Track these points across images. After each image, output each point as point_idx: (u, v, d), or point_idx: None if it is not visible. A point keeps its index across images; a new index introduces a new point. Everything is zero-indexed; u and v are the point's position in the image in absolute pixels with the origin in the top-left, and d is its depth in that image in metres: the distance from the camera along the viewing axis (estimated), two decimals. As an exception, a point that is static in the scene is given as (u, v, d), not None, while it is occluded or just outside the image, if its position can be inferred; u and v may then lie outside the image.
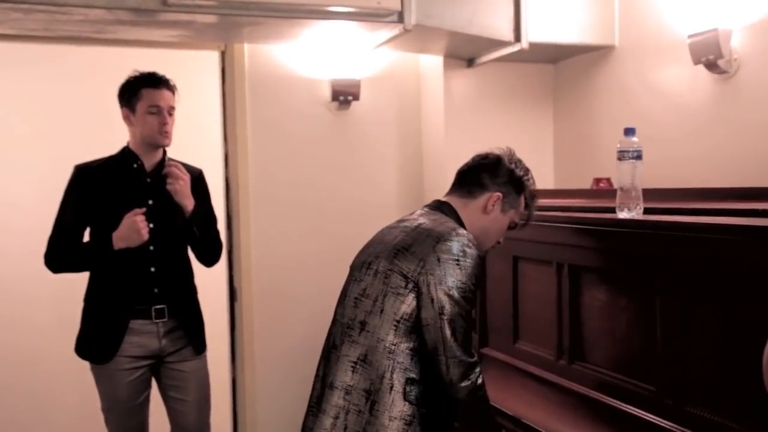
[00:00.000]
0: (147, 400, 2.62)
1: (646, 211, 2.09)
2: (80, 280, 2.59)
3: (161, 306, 2.53)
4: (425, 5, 2.66)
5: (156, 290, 2.53)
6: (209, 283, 3.19)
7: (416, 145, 3.53)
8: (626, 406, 2.00)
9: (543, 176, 3.45)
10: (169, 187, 2.50)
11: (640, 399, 1.96)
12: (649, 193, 2.24)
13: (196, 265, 2.75)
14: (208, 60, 3.36)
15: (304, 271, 3.32)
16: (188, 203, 2.52)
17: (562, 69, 3.43)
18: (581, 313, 2.25)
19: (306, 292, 3.29)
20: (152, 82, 2.51)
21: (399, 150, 3.51)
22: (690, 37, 2.49)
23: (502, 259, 2.66)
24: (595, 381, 2.16)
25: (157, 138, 2.52)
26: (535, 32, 2.99)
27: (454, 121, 3.34)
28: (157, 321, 2.53)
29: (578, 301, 2.26)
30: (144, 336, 2.52)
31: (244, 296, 3.26)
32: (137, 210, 2.44)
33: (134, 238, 2.43)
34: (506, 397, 2.52)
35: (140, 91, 2.50)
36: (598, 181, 2.91)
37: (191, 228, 2.54)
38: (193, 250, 2.67)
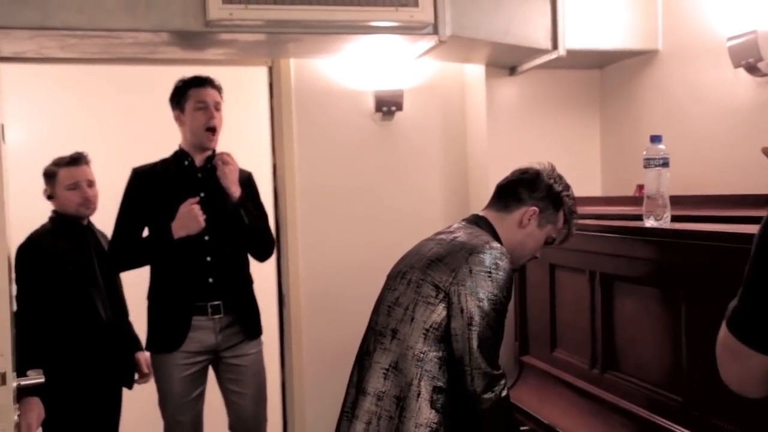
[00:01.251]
0: (201, 396, 2.73)
1: (678, 218, 2.07)
2: (143, 281, 2.77)
3: (217, 302, 2.65)
4: (460, 16, 2.70)
5: (211, 280, 2.65)
6: (260, 288, 3.31)
7: (461, 154, 3.56)
8: (655, 416, 1.98)
9: (590, 183, 3.44)
10: (218, 172, 2.63)
11: (669, 410, 1.93)
12: (683, 200, 2.22)
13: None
14: (259, 74, 3.49)
15: (351, 278, 3.39)
16: (235, 189, 2.65)
17: (609, 74, 3.39)
18: (614, 321, 2.24)
19: (352, 298, 3.36)
20: (198, 82, 2.71)
21: (443, 159, 3.54)
22: (729, 39, 2.43)
23: (539, 267, 2.67)
24: (626, 390, 2.14)
25: (204, 137, 2.68)
26: (578, 39, 2.98)
27: (497, 130, 3.34)
28: (214, 317, 2.65)
29: (611, 309, 2.25)
30: (201, 331, 2.64)
31: (291, 302, 3.36)
32: (191, 199, 2.59)
33: (193, 225, 2.57)
34: (543, 405, 2.53)
35: (188, 92, 2.70)
36: (640, 187, 2.86)
37: (239, 213, 2.66)
38: (244, 242, 2.76)
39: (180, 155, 2.74)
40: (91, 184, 2.81)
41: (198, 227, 2.58)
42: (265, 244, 2.81)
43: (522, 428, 2.43)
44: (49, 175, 2.80)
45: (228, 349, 2.70)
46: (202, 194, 2.67)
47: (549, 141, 3.36)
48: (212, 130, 2.69)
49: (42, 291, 2.62)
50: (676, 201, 2.13)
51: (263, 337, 3.25)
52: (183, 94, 2.70)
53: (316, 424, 3.40)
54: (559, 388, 2.52)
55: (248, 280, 2.81)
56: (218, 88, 2.74)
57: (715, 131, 2.66)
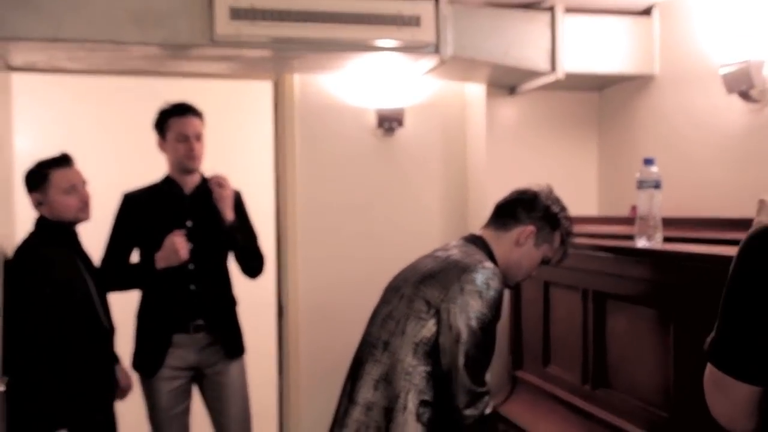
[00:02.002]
0: (187, 410, 2.79)
1: (670, 239, 2.12)
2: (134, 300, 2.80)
3: (200, 321, 2.71)
4: (461, 37, 2.77)
5: (195, 306, 2.71)
6: (259, 300, 3.36)
7: (460, 172, 3.61)
8: (643, 433, 2.02)
9: (587, 203, 3.49)
10: (214, 195, 2.67)
11: (657, 426, 1.97)
12: (676, 222, 2.27)
13: (246, 285, 2.92)
14: (263, 89, 3.55)
15: (350, 291, 3.43)
16: (229, 213, 2.70)
17: (607, 97, 3.46)
18: (605, 339, 2.28)
19: (351, 311, 3.36)
20: (178, 111, 2.72)
21: (443, 176, 3.59)
22: (723, 67, 2.49)
23: (534, 284, 2.71)
24: (616, 407, 2.18)
25: (185, 162, 2.72)
26: (577, 62, 3.04)
27: (497, 149, 3.40)
28: (195, 335, 2.70)
29: (602, 327, 2.29)
30: (183, 349, 2.70)
31: (290, 313, 3.40)
32: (177, 231, 2.63)
33: (173, 258, 2.62)
34: (535, 420, 2.57)
35: (168, 121, 2.72)
36: (634, 208, 2.91)
37: (233, 235, 2.71)
38: (237, 261, 2.81)
39: (168, 182, 2.77)
40: (85, 184, 2.60)
41: (178, 260, 2.62)
42: (256, 263, 2.85)
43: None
44: (38, 180, 2.50)
45: (210, 367, 2.76)
46: (189, 223, 2.71)
47: (547, 160, 3.41)
48: (192, 159, 2.72)
49: (46, 299, 2.44)
50: (669, 222, 2.18)
51: (261, 349, 3.29)
52: (164, 123, 2.72)
53: (312, 435, 3.43)
54: (551, 404, 2.56)
55: (232, 303, 2.85)
56: (200, 116, 2.74)
57: (709, 155, 2.71)
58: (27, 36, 2.46)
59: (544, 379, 2.67)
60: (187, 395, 2.78)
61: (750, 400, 1.10)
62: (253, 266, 2.83)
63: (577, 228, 2.49)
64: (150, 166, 2.88)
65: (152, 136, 3.03)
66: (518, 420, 2.59)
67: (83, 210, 2.56)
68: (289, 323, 3.41)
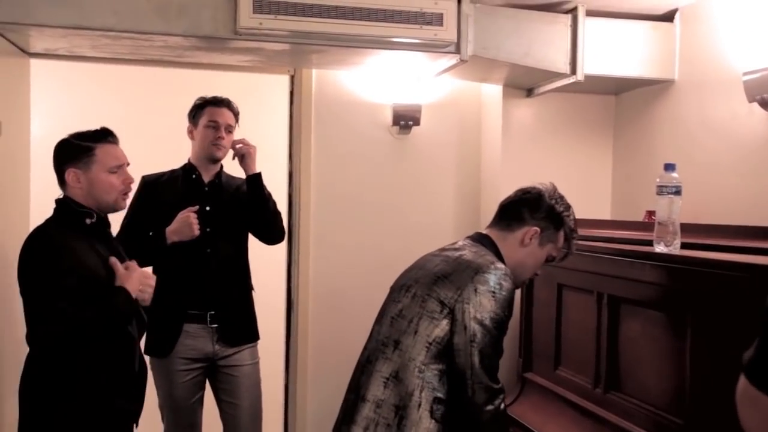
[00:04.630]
0: (200, 400, 2.80)
1: (687, 245, 2.12)
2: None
3: (215, 312, 2.72)
4: (482, 37, 2.77)
5: (211, 293, 2.72)
6: (269, 292, 3.36)
7: (475, 171, 3.62)
8: (656, 438, 2.03)
9: (600, 206, 3.49)
10: (241, 151, 2.73)
11: (669, 432, 1.98)
12: (693, 228, 2.26)
13: (257, 278, 2.93)
14: (281, 82, 3.56)
15: (360, 287, 3.44)
16: (255, 165, 2.75)
17: (624, 101, 3.45)
18: (619, 343, 2.28)
19: (360, 306, 3.37)
20: (215, 102, 2.79)
21: (457, 175, 3.60)
22: (745, 74, 2.49)
23: (547, 286, 2.71)
24: (628, 412, 2.18)
25: (211, 149, 2.75)
26: (595, 64, 3.04)
27: (512, 149, 3.40)
28: (212, 326, 2.71)
29: (616, 331, 2.29)
30: (198, 339, 2.71)
31: (300, 308, 3.42)
32: (190, 208, 2.66)
33: (186, 232, 2.64)
34: (544, 423, 2.57)
35: (204, 109, 2.77)
36: (650, 213, 2.91)
37: (260, 184, 2.75)
38: (258, 225, 2.81)
39: (188, 169, 2.82)
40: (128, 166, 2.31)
41: (191, 235, 2.64)
42: (278, 221, 2.86)
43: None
44: (78, 153, 2.14)
45: (224, 359, 2.76)
46: (207, 208, 2.75)
47: (562, 163, 3.41)
48: (218, 147, 2.77)
49: (56, 292, 2.03)
50: (686, 228, 2.18)
51: (269, 342, 3.29)
52: (199, 111, 2.79)
53: (318, 427, 3.44)
54: (561, 406, 2.56)
55: (249, 290, 2.87)
56: (234, 111, 2.81)
57: (727, 163, 2.71)
58: (51, 23, 2.47)
59: (554, 382, 2.67)
60: (200, 386, 2.79)
61: None
62: (274, 228, 2.83)
63: (591, 231, 2.49)
64: (167, 156, 2.89)
65: (170, 125, 3.05)
66: (527, 421, 2.59)
67: (124, 195, 2.22)
68: (299, 317, 3.43)
